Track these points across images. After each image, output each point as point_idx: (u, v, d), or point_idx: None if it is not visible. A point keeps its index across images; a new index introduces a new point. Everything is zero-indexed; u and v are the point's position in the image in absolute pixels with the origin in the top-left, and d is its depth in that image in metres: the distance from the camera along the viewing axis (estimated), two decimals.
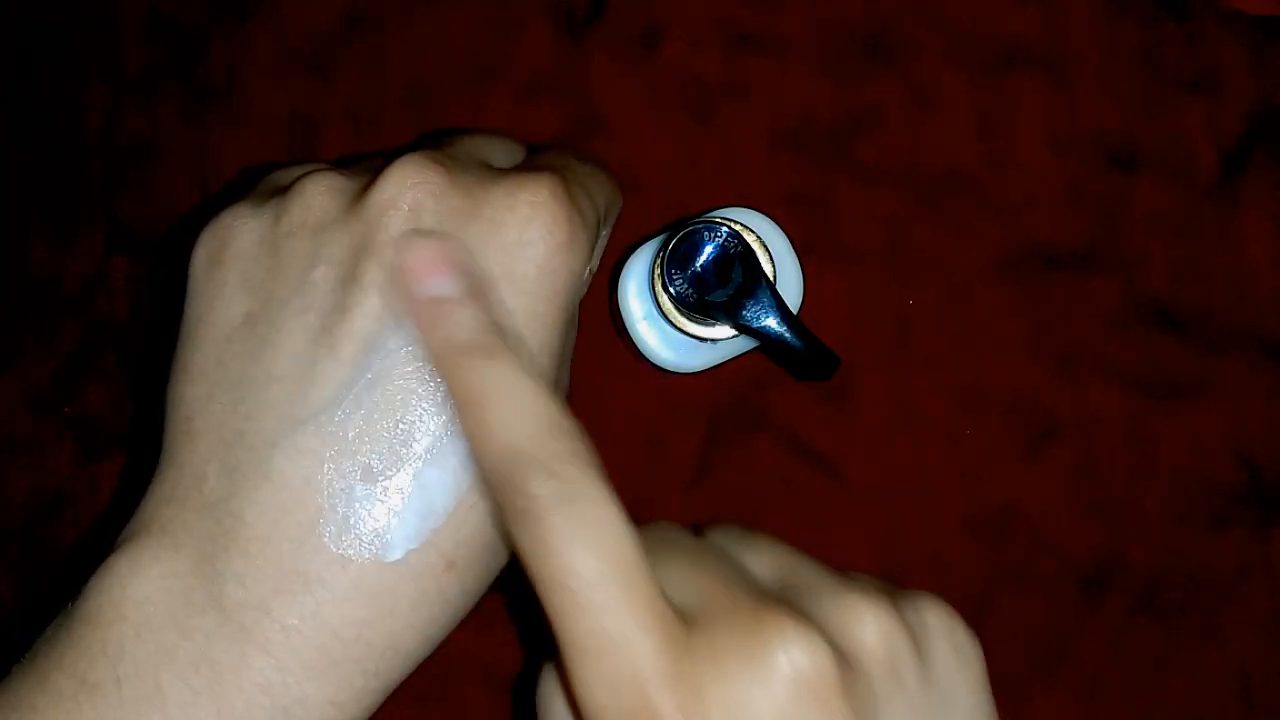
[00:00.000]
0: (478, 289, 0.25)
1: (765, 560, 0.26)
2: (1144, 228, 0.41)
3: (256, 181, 0.29)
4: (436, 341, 0.24)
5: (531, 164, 0.30)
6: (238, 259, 0.27)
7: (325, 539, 0.24)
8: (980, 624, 0.40)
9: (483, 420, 0.23)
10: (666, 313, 0.34)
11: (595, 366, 0.40)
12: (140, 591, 0.24)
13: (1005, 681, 0.39)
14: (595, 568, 0.21)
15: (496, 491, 0.23)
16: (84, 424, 0.40)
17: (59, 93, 0.42)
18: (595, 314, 0.40)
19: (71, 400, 0.41)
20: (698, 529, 0.27)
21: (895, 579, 0.40)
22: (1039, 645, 0.40)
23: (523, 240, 0.26)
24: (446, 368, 0.24)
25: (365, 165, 0.28)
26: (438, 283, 0.25)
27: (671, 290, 0.33)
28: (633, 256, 0.36)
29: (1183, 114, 0.42)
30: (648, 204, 0.41)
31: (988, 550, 0.40)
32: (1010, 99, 0.42)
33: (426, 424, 0.25)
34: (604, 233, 0.32)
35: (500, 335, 0.24)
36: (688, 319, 0.34)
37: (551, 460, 0.22)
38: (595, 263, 0.33)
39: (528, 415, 0.23)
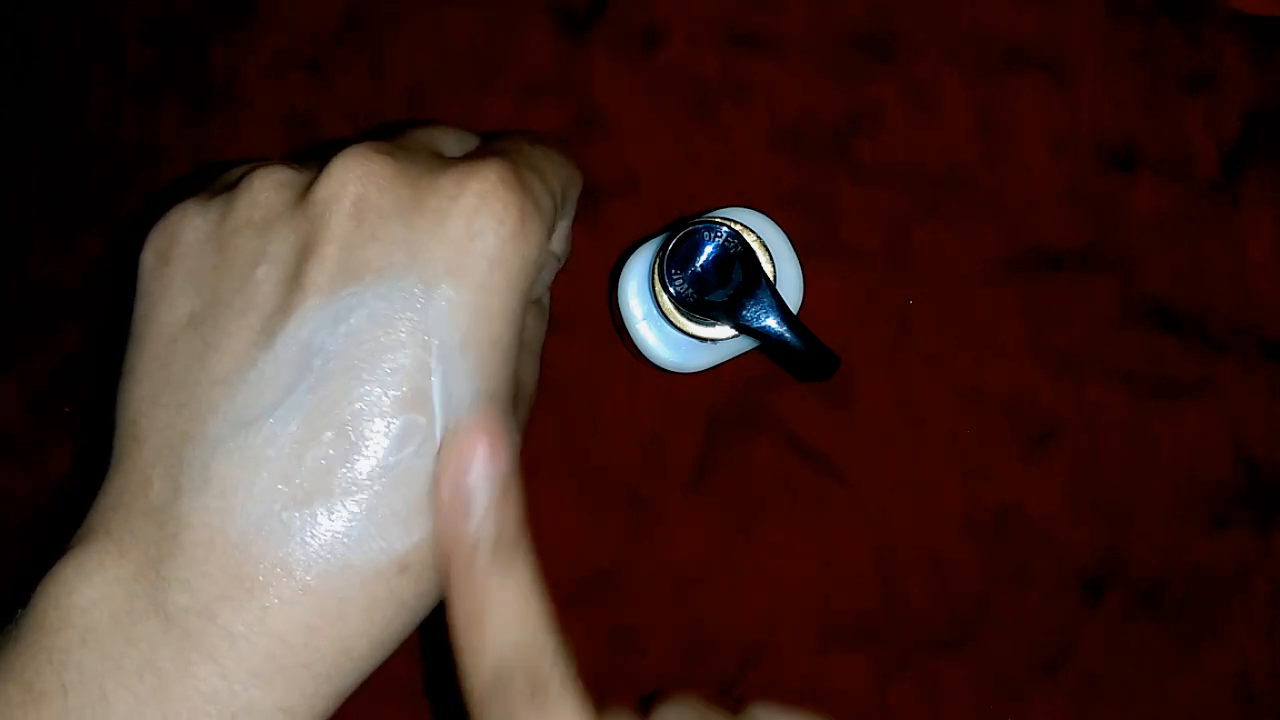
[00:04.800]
0: (506, 492, 0.25)
1: None
2: (1144, 228, 0.41)
3: (209, 178, 0.29)
4: (454, 539, 0.24)
5: (481, 151, 0.29)
6: (184, 257, 0.26)
7: (269, 544, 0.24)
8: (980, 624, 0.40)
9: (479, 633, 0.24)
10: (666, 313, 0.34)
11: (595, 366, 0.40)
12: (85, 598, 0.24)
13: (1005, 681, 0.40)
14: None
15: (479, 702, 0.23)
16: (84, 424, 0.40)
17: (59, 93, 0.42)
18: (595, 314, 0.40)
19: (71, 400, 0.41)
20: (733, 702, 0.27)
21: (895, 579, 0.40)
22: (1039, 645, 0.40)
23: (471, 231, 0.25)
24: (455, 569, 0.24)
25: (315, 157, 0.27)
26: (476, 478, 0.24)
27: (671, 290, 0.33)
28: (633, 256, 0.36)
29: (1183, 114, 0.42)
30: (648, 204, 0.41)
31: (988, 550, 0.40)
32: (1010, 99, 0.42)
33: (370, 425, 0.24)
34: (565, 215, 0.31)
35: (517, 548, 0.25)
36: (688, 319, 0.34)
37: (539, 679, 0.23)
38: (561, 248, 0.32)
39: (524, 633, 0.24)
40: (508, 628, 0.24)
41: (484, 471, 0.24)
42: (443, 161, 0.27)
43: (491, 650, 0.23)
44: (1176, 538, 0.40)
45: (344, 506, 0.24)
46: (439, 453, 0.25)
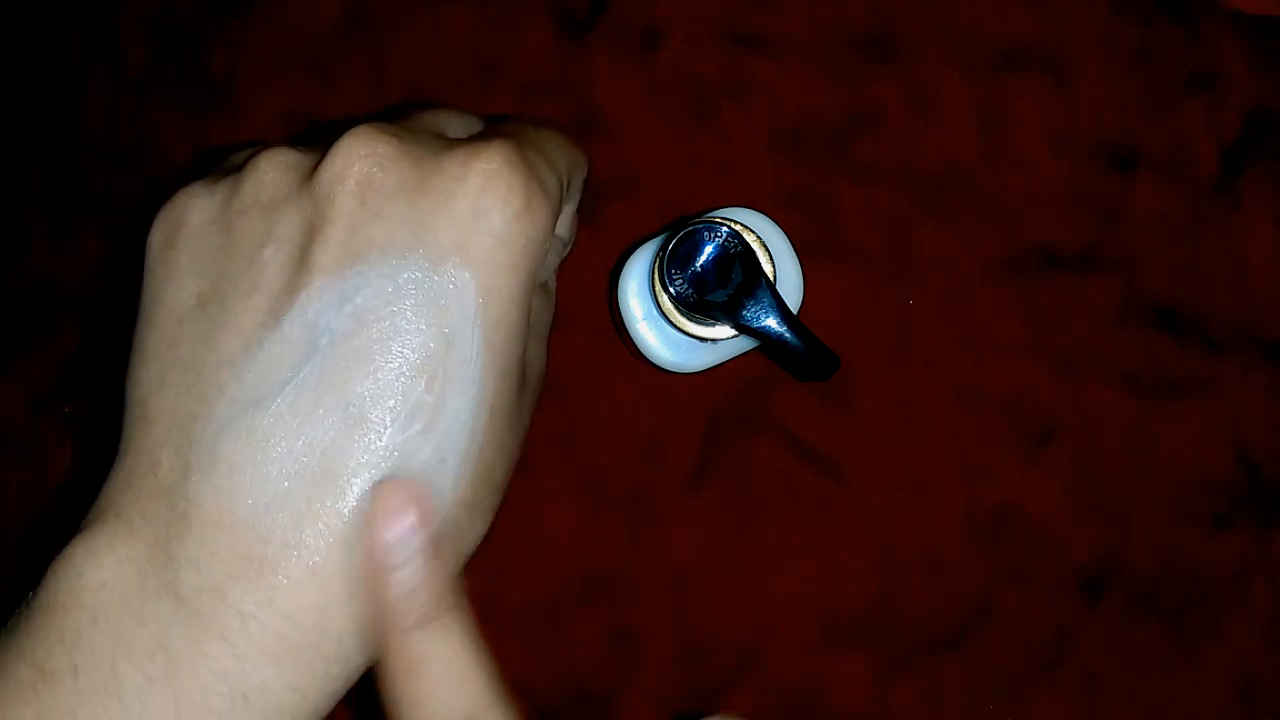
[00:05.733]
0: (429, 555, 0.24)
1: None
2: (1144, 228, 0.41)
3: (212, 163, 0.29)
4: (382, 604, 0.24)
5: (487, 132, 0.29)
6: (190, 238, 0.26)
7: (277, 523, 0.24)
8: (980, 624, 0.40)
9: (416, 690, 0.23)
10: (666, 313, 0.34)
11: (595, 366, 0.40)
12: (96, 578, 0.24)
13: (1005, 681, 0.40)
14: None
15: None
16: (84, 424, 0.40)
17: (59, 93, 0.42)
18: (595, 314, 0.40)
19: (71, 400, 0.41)
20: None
21: (895, 579, 0.40)
22: (1039, 645, 0.40)
23: (476, 210, 0.25)
24: (387, 630, 0.24)
25: (320, 139, 0.27)
26: (396, 538, 0.24)
27: (671, 290, 0.33)
28: (633, 256, 0.36)
29: (1183, 114, 0.42)
30: (648, 204, 0.41)
31: (988, 550, 0.40)
32: (1010, 99, 0.42)
33: (375, 405, 0.24)
34: (571, 199, 0.31)
35: (448, 609, 0.24)
36: (688, 319, 0.34)
37: None
38: (567, 231, 0.32)
39: (462, 693, 0.23)
40: (445, 689, 0.23)
41: (403, 536, 0.24)
42: (448, 142, 0.27)
43: (431, 701, 0.23)
44: (1176, 538, 0.40)
45: (351, 485, 0.24)
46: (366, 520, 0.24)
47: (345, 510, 0.24)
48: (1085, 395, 0.41)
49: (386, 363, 0.25)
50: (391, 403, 0.25)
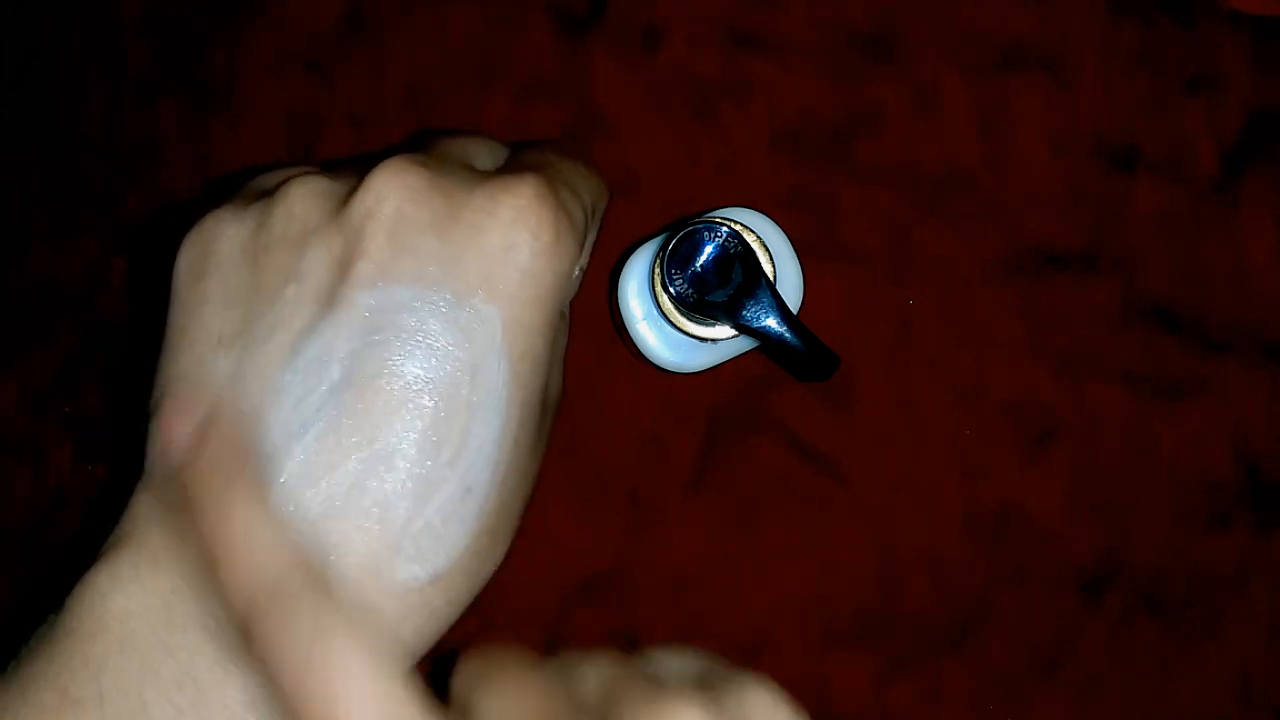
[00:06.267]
0: (206, 430, 0.23)
1: (593, 675, 0.23)
2: (1144, 228, 0.41)
3: (238, 186, 0.29)
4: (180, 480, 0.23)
5: (514, 165, 0.30)
6: (219, 268, 0.26)
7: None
8: (980, 624, 0.40)
9: (229, 553, 0.21)
10: (666, 313, 0.34)
11: (595, 366, 0.40)
12: (121, 606, 0.24)
13: (1005, 681, 0.40)
14: (365, 697, 0.19)
15: (252, 618, 0.20)
16: (84, 424, 0.40)
17: (59, 93, 0.42)
18: (595, 314, 0.40)
19: (71, 400, 0.41)
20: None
21: (895, 579, 0.40)
22: (1039, 645, 0.40)
23: (506, 244, 0.26)
24: (188, 503, 0.22)
25: (352, 168, 0.28)
26: (172, 435, 0.24)
27: (671, 290, 0.33)
28: (633, 256, 0.36)
29: (1183, 114, 0.42)
30: (648, 204, 0.41)
31: (988, 550, 0.40)
32: (1010, 99, 0.42)
33: (399, 442, 0.25)
34: (591, 230, 0.31)
35: (247, 463, 0.22)
36: (688, 319, 0.34)
37: (316, 571, 0.21)
38: (585, 260, 0.33)
39: (279, 536, 0.21)
40: (257, 540, 0.21)
41: (175, 430, 0.24)
42: (477, 175, 0.28)
43: (251, 565, 0.21)
44: (1176, 538, 0.40)
45: (377, 519, 0.24)
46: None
47: (372, 543, 0.24)
48: (1085, 395, 0.41)
49: (411, 395, 0.25)
50: (417, 436, 0.25)
